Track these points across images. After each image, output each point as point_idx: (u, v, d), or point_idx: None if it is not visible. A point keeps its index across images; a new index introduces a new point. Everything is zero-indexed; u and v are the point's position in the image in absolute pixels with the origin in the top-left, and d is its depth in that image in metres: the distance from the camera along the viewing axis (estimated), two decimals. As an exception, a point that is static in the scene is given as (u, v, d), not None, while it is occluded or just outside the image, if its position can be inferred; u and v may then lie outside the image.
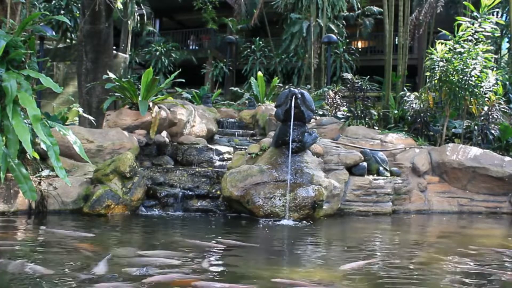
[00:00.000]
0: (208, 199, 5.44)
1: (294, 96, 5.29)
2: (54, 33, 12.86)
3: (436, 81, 7.56)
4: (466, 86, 7.19)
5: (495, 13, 13.39)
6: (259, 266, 2.93)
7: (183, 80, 7.95)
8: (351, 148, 6.58)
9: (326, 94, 10.59)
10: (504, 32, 13.36)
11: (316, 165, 5.62)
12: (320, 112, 9.84)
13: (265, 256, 3.37)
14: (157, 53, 17.64)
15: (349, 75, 9.45)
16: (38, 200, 4.61)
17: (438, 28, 9.47)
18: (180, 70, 8.23)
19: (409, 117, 8.19)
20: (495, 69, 8.31)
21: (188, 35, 20.96)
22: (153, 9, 19.25)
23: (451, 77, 7.27)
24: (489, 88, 7.39)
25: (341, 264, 2.91)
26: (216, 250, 3.31)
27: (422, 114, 7.90)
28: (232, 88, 14.36)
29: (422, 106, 7.93)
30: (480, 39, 7.46)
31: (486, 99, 7.55)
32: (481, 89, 7.27)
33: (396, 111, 8.80)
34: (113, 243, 3.55)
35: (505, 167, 6.29)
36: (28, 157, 4.65)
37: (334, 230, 4.87)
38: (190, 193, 5.40)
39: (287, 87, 10.33)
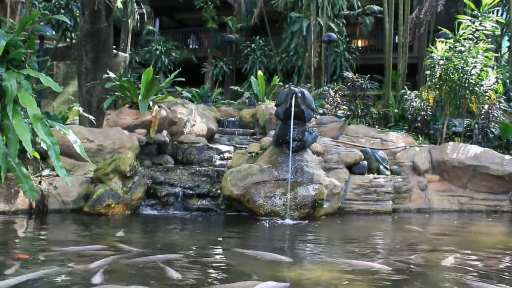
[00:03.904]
0: (208, 198, 5.44)
1: (294, 95, 5.29)
2: (54, 33, 12.85)
3: (436, 79, 7.55)
4: (466, 85, 7.19)
5: (495, 12, 13.41)
6: (259, 264, 2.93)
7: (183, 79, 7.96)
8: (351, 147, 6.58)
9: (326, 93, 10.60)
10: (504, 30, 13.35)
11: (317, 164, 5.62)
12: (320, 111, 9.84)
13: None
14: (157, 52, 17.65)
15: (349, 74, 9.45)
16: (38, 199, 4.61)
17: (439, 27, 9.46)
18: (180, 69, 8.23)
19: (409, 116, 8.18)
20: (495, 67, 8.31)
21: (188, 34, 20.96)
22: (153, 8, 19.25)
23: (451, 76, 7.26)
24: (490, 86, 7.39)
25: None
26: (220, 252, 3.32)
27: (422, 113, 7.90)
28: (232, 87, 14.36)
29: (422, 104, 7.93)
30: (480, 38, 7.46)
31: (487, 97, 7.54)
32: (482, 88, 7.27)
33: (396, 110, 8.80)
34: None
35: (505, 166, 6.29)
36: (29, 156, 4.65)
37: (335, 229, 4.87)
38: (191, 192, 5.40)
39: (287, 86, 10.33)
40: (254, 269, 2.77)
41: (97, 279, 2.34)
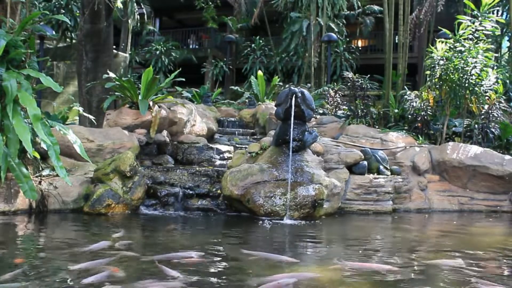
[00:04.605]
0: (208, 198, 5.44)
1: (294, 95, 5.29)
2: (54, 33, 12.85)
3: (436, 79, 7.55)
4: (466, 85, 7.19)
5: (495, 12, 13.40)
6: (266, 265, 2.93)
7: (183, 79, 7.97)
8: (351, 147, 6.58)
9: (326, 93, 10.60)
10: (504, 30, 13.34)
11: (317, 164, 5.62)
12: (321, 111, 9.84)
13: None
14: (157, 52, 17.64)
15: (349, 74, 9.45)
16: (38, 199, 4.61)
17: (439, 27, 9.46)
18: (180, 69, 8.23)
19: (410, 116, 8.19)
20: (495, 67, 8.30)
21: (188, 34, 20.96)
22: (153, 8, 19.23)
23: (451, 76, 7.26)
24: (490, 86, 7.39)
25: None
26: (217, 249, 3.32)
27: (422, 113, 7.90)
28: (232, 87, 14.35)
29: (422, 104, 7.93)
30: (480, 38, 7.46)
31: (487, 97, 7.54)
32: (482, 88, 7.27)
33: (396, 110, 8.80)
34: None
35: (505, 166, 6.29)
36: (29, 156, 4.65)
37: (335, 229, 4.87)
38: (191, 192, 5.40)
39: (287, 86, 10.32)
40: (260, 269, 2.77)
41: (92, 278, 2.33)
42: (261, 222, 4.67)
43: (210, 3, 17.87)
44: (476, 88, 7.20)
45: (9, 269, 2.50)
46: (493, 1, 7.40)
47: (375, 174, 6.17)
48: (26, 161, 4.66)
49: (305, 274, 2.61)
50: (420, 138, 7.56)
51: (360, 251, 3.49)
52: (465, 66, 7.15)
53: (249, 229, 4.45)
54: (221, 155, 6.95)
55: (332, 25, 15.29)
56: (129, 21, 16.14)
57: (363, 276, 2.65)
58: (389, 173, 6.30)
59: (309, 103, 5.45)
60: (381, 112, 8.82)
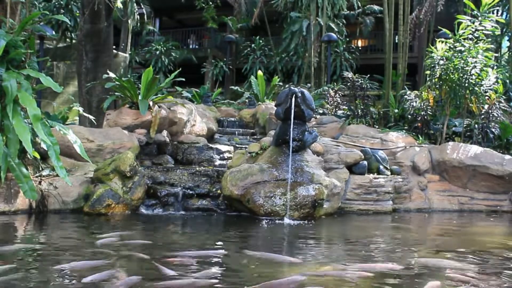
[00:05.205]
0: (208, 198, 5.44)
1: (294, 95, 5.29)
2: (54, 33, 12.85)
3: (436, 79, 7.55)
4: (466, 85, 7.19)
5: (495, 12, 13.41)
6: (262, 263, 2.93)
7: (183, 79, 7.97)
8: (352, 147, 6.58)
9: (326, 93, 10.60)
10: (504, 30, 13.35)
11: (317, 164, 5.62)
12: (321, 111, 9.84)
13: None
14: (157, 52, 17.64)
15: (349, 74, 9.45)
16: (38, 199, 4.61)
17: (439, 27, 9.46)
18: (180, 69, 8.23)
19: (410, 116, 8.19)
20: (495, 67, 8.30)
21: (188, 34, 20.97)
22: (153, 8, 19.24)
23: (451, 76, 7.27)
24: (490, 86, 7.39)
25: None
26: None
27: (422, 113, 7.90)
28: (232, 87, 14.36)
29: (422, 104, 7.93)
30: (480, 38, 7.46)
31: (487, 97, 7.54)
32: (482, 88, 7.27)
33: (396, 110, 8.80)
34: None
35: (505, 166, 6.29)
36: (29, 156, 4.65)
37: (336, 229, 4.87)
38: (191, 192, 5.40)
39: (287, 86, 10.32)
40: (263, 269, 2.77)
41: (91, 278, 2.34)
42: (261, 222, 4.67)
43: (210, 3, 17.87)
44: (476, 88, 7.21)
45: (8, 269, 2.51)
46: (493, 1, 7.40)
47: (375, 174, 6.17)
48: (26, 161, 4.66)
49: (313, 273, 2.61)
50: (420, 138, 7.56)
51: (361, 251, 3.49)
52: (465, 66, 7.15)
53: (249, 229, 4.45)
54: (221, 155, 6.95)
55: (332, 25, 15.29)
56: (129, 21, 16.14)
57: (364, 276, 2.65)
58: (389, 173, 6.30)
59: (309, 103, 5.45)
60: (381, 112, 8.82)
